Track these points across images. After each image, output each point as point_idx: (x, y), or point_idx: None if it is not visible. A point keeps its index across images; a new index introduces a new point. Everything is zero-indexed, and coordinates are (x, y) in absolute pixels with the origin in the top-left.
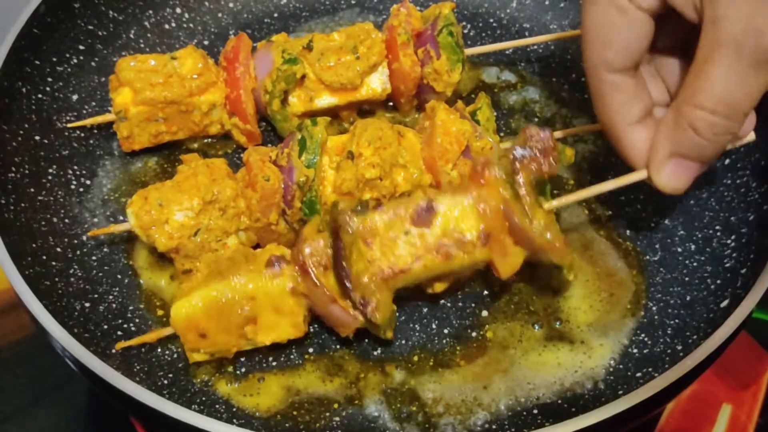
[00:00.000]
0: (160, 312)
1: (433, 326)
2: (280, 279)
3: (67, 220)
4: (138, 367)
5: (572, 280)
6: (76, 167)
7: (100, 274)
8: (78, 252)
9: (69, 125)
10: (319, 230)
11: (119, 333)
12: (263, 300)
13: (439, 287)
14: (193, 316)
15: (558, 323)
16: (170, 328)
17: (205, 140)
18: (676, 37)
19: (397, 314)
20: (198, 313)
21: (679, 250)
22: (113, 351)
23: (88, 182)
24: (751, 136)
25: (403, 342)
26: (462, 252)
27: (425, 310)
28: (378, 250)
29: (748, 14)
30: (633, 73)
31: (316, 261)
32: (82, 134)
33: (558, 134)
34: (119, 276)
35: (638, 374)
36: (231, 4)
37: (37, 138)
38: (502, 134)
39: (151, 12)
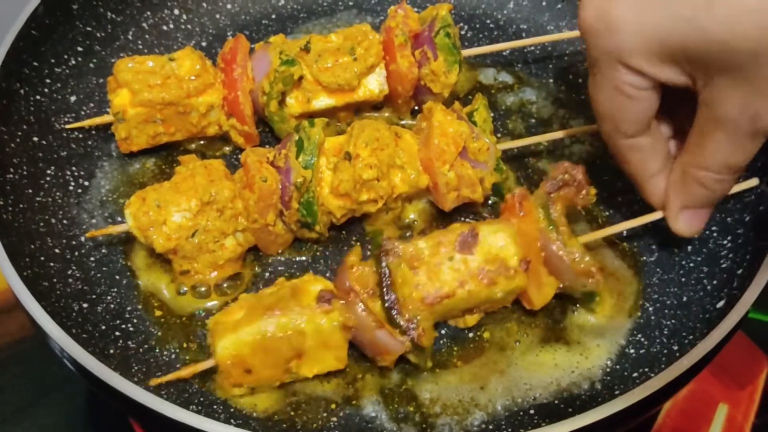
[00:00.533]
0: (158, 313)
1: None
2: (332, 315)
3: (65, 221)
4: (136, 368)
5: (597, 313)
6: (74, 168)
7: (98, 275)
8: (76, 253)
9: (67, 126)
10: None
11: (117, 334)
12: (313, 335)
13: (471, 321)
14: (240, 352)
15: (555, 324)
16: (207, 363)
17: (203, 141)
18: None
19: None
20: (246, 350)
21: (676, 250)
22: (112, 352)
23: (86, 183)
24: (754, 181)
25: None
26: (504, 278)
27: None
28: (424, 275)
29: (741, 102)
30: (648, 131)
31: (362, 287)
32: (81, 135)
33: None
34: (117, 277)
35: (635, 374)
36: (229, 6)
37: (35, 139)
38: (499, 135)
39: (149, 13)
